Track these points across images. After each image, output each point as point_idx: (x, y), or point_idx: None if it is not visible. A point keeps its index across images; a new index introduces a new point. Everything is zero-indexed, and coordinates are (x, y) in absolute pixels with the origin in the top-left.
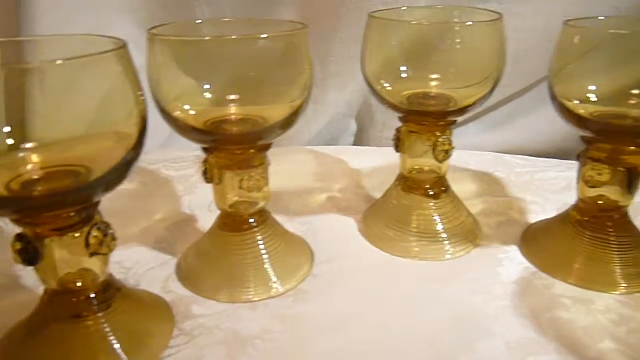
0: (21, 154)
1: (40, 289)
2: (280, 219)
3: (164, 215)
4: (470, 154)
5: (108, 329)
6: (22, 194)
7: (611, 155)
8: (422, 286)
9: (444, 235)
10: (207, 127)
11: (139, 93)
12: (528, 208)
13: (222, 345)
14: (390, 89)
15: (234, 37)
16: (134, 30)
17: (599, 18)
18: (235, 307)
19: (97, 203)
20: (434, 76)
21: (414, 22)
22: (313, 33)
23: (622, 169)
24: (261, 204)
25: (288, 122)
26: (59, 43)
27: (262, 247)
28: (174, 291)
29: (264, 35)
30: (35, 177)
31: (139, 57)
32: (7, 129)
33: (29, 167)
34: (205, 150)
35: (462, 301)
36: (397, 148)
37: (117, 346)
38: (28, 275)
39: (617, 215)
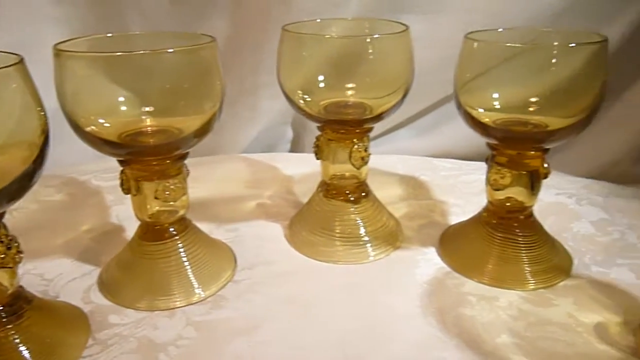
0: None
1: None
2: (208, 226)
3: (91, 225)
4: (400, 159)
5: (18, 340)
6: None
7: (513, 160)
8: (340, 289)
9: (366, 239)
10: (122, 140)
11: (38, 108)
12: (450, 210)
13: (135, 353)
14: (309, 99)
15: (141, 52)
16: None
17: (499, 30)
18: (154, 315)
19: (1, 216)
20: (350, 85)
21: (327, 36)
22: (245, 44)
23: (525, 172)
24: (181, 213)
25: (202, 132)
26: None
27: (183, 254)
28: (94, 302)
29: (170, 50)
30: None
31: None
32: None
33: None
34: (121, 162)
35: (377, 302)
36: (317, 155)
37: (27, 356)
38: None
39: (523, 215)
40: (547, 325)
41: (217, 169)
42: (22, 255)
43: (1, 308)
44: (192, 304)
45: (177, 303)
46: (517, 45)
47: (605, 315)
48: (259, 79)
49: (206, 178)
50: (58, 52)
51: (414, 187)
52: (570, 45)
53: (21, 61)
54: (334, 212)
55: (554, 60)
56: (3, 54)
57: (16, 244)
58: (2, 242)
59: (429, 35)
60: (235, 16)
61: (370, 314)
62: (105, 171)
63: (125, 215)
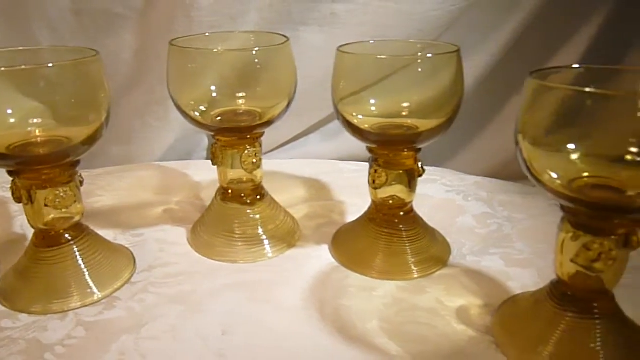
0: None
1: None
2: (113, 232)
3: None
4: (308, 162)
5: None
6: None
7: (389, 160)
8: (233, 286)
9: (264, 238)
10: (10, 151)
11: None
12: (348, 210)
13: (22, 353)
14: (203, 110)
15: (22, 67)
16: None
17: (370, 42)
18: (46, 318)
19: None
20: (240, 95)
21: (215, 50)
22: (152, 57)
23: (401, 171)
24: (76, 219)
25: (90, 140)
26: None
27: (79, 259)
28: None
29: (50, 64)
30: None
31: None
32: None
33: None
34: (10, 173)
35: (264, 297)
36: (213, 162)
37: None
38: None
39: (403, 211)
40: (415, 311)
41: (126, 178)
42: None
43: None
44: (86, 306)
45: (72, 305)
46: (382, 57)
47: (470, 300)
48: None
49: (114, 187)
50: None
51: (317, 189)
52: (428, 55)
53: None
54: (233, 215)
55: (419, 70)
56: None
57: None
58: None
59: (327, 46)
60: (141, 30)
61: (255, 308)
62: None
63: (20, 226)
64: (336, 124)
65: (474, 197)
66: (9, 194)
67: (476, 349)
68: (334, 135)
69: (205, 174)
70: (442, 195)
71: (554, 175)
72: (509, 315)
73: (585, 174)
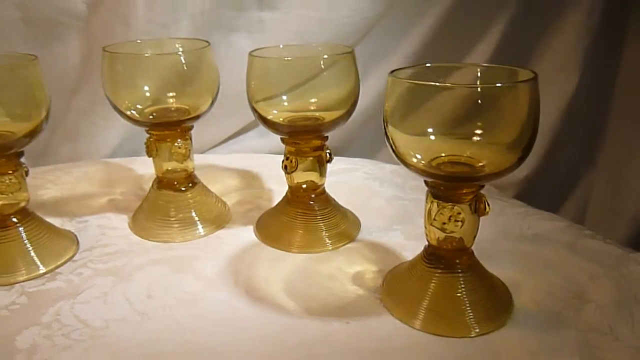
0: None
1: None
2: (60, 220)
3: None
4: (246, 156)
5: None
6: None
7: (299, 149)
8: (162, 262)
9: (197, 220)
10: None
11: None
12: (275, 197)
13: None
14: (139, 107)
15: None
16: None
17: (280, 46)
18: None
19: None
20: (171, 94)
21: (146, 54)
22: (96, 61)
23: (311, 158)
24: (22, 204)
25: (32, 134)
26: None
27: (25, 239)
28: None
29: None
30: None
31: None
32: None
33: None
34: None
35: (188, 269)
36: (148, 154)
37: None
38: None
39: (315, 193)
40: (316, 277)
41: (73, 173)
42: None
43: None
44: (31, 279)
45: (19, 278)
46: (287, 58)
47: (366, 267)
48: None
49: (61, 180)
50: None
51: (250, 179)
52: (324, 56)
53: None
54: (168, 200)
55: (322, 68)
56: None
57: None
58: None
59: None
60: (85, 37)
61: (178, 277)
62: None
63: None
64: None
65: (389, 183)
66: None
67: (363, 304)
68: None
69: (148, 169)
70: (360, 182)
71: (417, 156)
72: (393, 276)
73: (442, 154)
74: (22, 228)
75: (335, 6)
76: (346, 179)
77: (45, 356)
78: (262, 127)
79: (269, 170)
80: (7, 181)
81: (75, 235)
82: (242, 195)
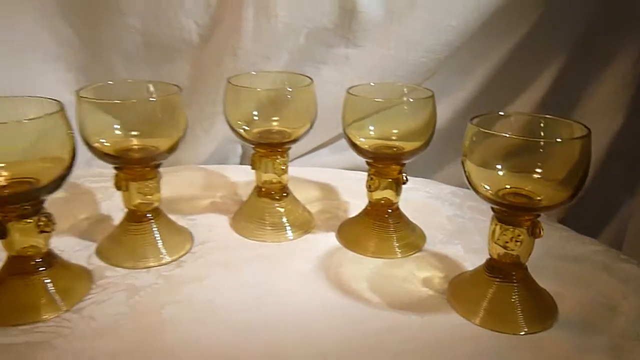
0: None
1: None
2: (174, 217)
3: (87, 215)
4: (321, 170)
5: (48, 281)
6: None
7: (380, 171)
8: (262, 258)
9: (287, 225)
10: (117, 153)
11: (70, 132)
12: (350, 208)
13: (122, 291)
14: (247, 129)
15: (133, 100)
16: (63, 75)
17: (371, 84)
18: (136, 272)
19: (43, 200)
20: (275, 119)
21: (258, 89)
22: (204, 82)
23: (390, 180)
24: (155, 204)
25: (171, 149)
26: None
27: (156, 233)
28: (94, 264)
29: (152, 99)
30: (4, 183)
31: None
32: None
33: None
34: (116, 168)
35: (285, 265)
36: (252, 167)
37: (52, 292)
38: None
39: (391, 209)
40: (393, 278)
41: (179, 176)
42: (54, 225)
43: (40, 260)
44: (161, 265)
45: (151, 264)
46: (378, 100)
47: (434, 273)
48: (215, 109)
49: (170, 183)
50: (78, 98)
51: (327, 191)
52: (410, 100)
53: (62, 108)
54: (264, 207)
55: (404, 108)
56: (46, 99)
57: (51, 218)
58: (46, 215)
59: (340, 81)
60: (196, 61)
61: (278, 272)
62: (93, 176)
63: (110, 207)
64: (342, 142)
65: (449, 202)
66: (93, 185)
67: (433, 302)
68: (341, 150)
69: (239, 176)
70: (424, 200)
71: (486, 187)
72: (458, 282)
73: (507, 186)
74: (154, 223)
75: (411, 48)
76: (411, 197)
77: (185, 327)
78: (333, 146)
79: (344, 184)
80: (150, 186)
81: (190, 231)
82: (322, 205)
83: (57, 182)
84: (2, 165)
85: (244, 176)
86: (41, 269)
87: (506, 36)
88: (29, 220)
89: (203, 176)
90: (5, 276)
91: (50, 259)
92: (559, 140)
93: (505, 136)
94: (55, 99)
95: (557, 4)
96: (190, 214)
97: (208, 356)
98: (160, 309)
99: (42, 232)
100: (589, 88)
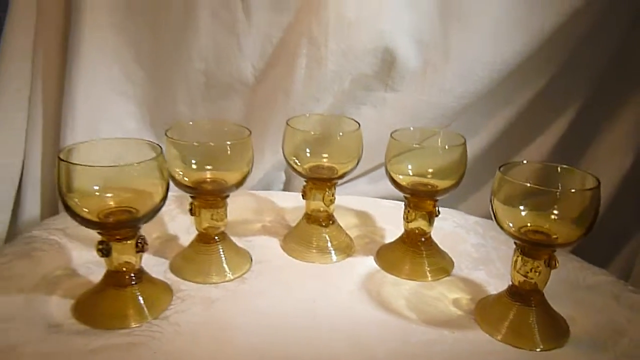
0: (104, 200)
1: (102, 271)
2: (234, 238)
3: (158, 234)
4: (359, 199)
5: (137, 293)
6: (104, 220)
7: (416, 205)
8: (311, 277)
9: (331, 249)
10: (193, 185)
11: (165, 171)
12: (386, 234)
13: (198, 303)
14: (298, 163)
15: (211, 143)
16: (131, 108)
17: (411, 129)
18: (206, 286)
19: (140, 226)
20: (325, 155)
21: (312, 133)
22: (257, 118)
23: (424, 212)
24: (221, 229)
25: (240, 183)
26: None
27: (221, 253)
28: (170, 278)
29: (228, 143)
30: (110, 211)
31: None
32: (97, 187)
33: (107, 207)
34: (192, 197)
35: (331, 283)
36: (303, 197)
37: (141, 302)
38: (96, 265)
39: (424, 237)
40: (427, 298)
41: (233, 202)
42: (147, 246)
43: (133, 275)
44: (226, 282)
45: (217, 280)
46: (415, 145)
47: (462, 295)
48: (265, 142)
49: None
50: (169, 139)
51: (365, 218)
52: (445, 146)
53: (161, 152)
54: (312, 232)
55: (440, 152)
56: (150, 143)
57: (146, 240)
58: (142, 238)
59: (378, 120)
60: (251, 100)
61: (327, 290)
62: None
63: (176, 228)
64: (377, 172)
65: (473, 232)
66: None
67: (462, 321)
68: (377, 180)
69: (285, 203)
70: (451, 229)
71: (510, 224)
72: (484, 304)
73: (528, 224)
74: (220, 245)
75: (443, 94)
76: (440, 226)
77: (253, 333)
78: (370, 176)
79: (380, 212)
80: (219, 213)
81: (248, 252)
82: (360, 231)
83: (153, 212)
84: (110, 195)
85: (288, 202)
86: (133, 282)
87: (527, 85)
88: (127, 242)
89: (254, 201)
90: (104, 287)
91: (140, 274)
92: (573, 190)
93: (529, 186)
94: (155, 142)
95: (574, 58)
96: (245, 236)
97: (271, 356)
98: (231, 318)
99: (138, 252)
100: (603, 130)
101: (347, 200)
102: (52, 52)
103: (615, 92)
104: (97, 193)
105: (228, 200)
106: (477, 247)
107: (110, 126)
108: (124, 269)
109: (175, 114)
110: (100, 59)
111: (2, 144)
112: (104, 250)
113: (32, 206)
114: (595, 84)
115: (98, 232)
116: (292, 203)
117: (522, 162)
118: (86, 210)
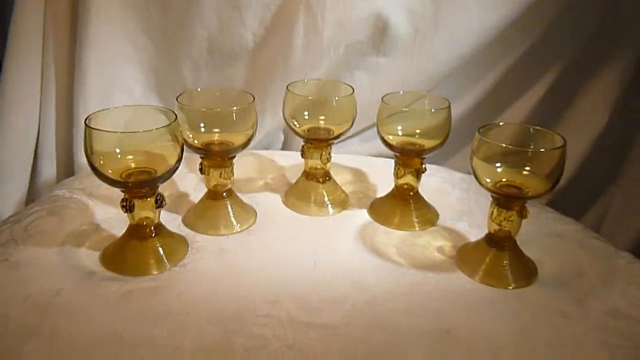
0: (125, 161)
1: (122, 225)
2: (240, 195)
3: (170, 192)
4: (352, 157)
5: (158, 245)
6: (126, 180)
7: (405, 162)
8: (310, 228)
9: (328, 203)
10: (202, 146)
11: (180, 135)
12: (378, 190)
13: (212, 253)
14: (297, 125)
15: (218, 109)
16: (138, 74)
17: (400, 92)
18: (217, 238)
19: (158, 185)
20: (322, 118)
21: (309, 97)
22: (257, 83)
23: (412, 169)
24: (229, 186)
25: (245, 145)
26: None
27: (229, 208)
28: (184, 231)
29: (235, 108)
30: (131, 172)
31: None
32: (118, 150)
33: (129, 168)
34: (202, 157)
35: (329, 234)
36: (302, 156)
37: (161, 253)
38: (117, 221)
39: (413, 192)
40: (415, 246)
41: (237, 161)
42: (166, 202)
43: (154, 228)
44: (234, 233)
45: (226, 232)
46: (404, 109)
47: (445, 243)
48: (265, 105)
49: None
50: (180, 106)
51: (359, 175)
52: (432, 109)
53: (175, 118)
54: (310, 188)
55: (427, 115)
56: (163, 109)
57: (164, 197)
58: (161, 195)
59: (371, 85)
60: (252, 67)
61: (324, 239)
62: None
63: (187, 187)
64: (369, 132)
65: (458, 187)
66: None
67: (445, 264)
68: (369, 139)
69: (285, 161)
70: (438, 184)
71: (487, 180)
72: (464, 250)
73: (503, 179)
74: (228, 201)
75: (431, 59)
76: (428, 181)
77: (264, 277)
78: (362, 136)
79: (372, 169)
80: (227, 171)
81: (253, 207)
82: (354, 187)
83: (170, 173)
84: (131, 157)
85: (288, 161)
86: (153, 235)
87: (510, 50)
88: (147, 200)
89: (254, 161)
90: (128, 239)
91: (160, 228)
92: (542, 150)
93: (503, 146)
94: (170, 109)
95: (555, 24)
96: (249, 192)
97: (281, 295)
98: (243, 264)
99: (157, 207)
100: (580, 92)
101: (341, 158)
102: (63, 21)
103: (592, 57)
104: (119, 156)
105: (234, 160)
106: (460, 201)
107: (119, 92)
108: (145, 223)
109: (180, 79)
110: (109, 31)
111: (19, 110)
112: (127, 207)
113: (48, 168)
114: (574, 49)
115: (121, 190)
116: (291, 161)
117: (499, 124)
118: (110, 171)
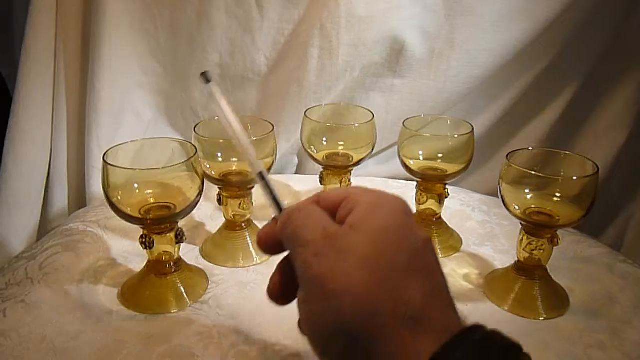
0: (144, 195)
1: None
2: (256, 222)
3: (184, 223)
4: (367, 179)
5: (177, 280)
6: (144, 216)
7: (427, 188)
8: None
9: None
10: (220, 177)
11: (200, 170)
12: None
13: (233, 286)
14: (315, 152)
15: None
16: (147, 98)
17: (422, 116)
18: (236, 270)
19: (178, 220)
20: (341, 143)
21: (327, 124)
22: (270, 106)
23: (435, 195)
24: (248, 216)
25: None
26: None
27: (248, 239)
28: (202, 264)
29: (254, 138)
30: (150, 207)
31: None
32: (136, 185)
33: (148, 203)
34: (220, 188)
35: None
36: (321, 182)
37: (182, 290)
38: (133, 255)
39: (435, 218)
40: None
41: None
42: (185, 237)
43: (173, 264)
44: (253, 265)
45: (245, 264)
46: (426, 135)
47: (470, 270)
48: (279, 129)
49: None
50: (197, 137)
51: None
52: (455, 135)
53: (196, 153)
54: None
55: (449, 140)
56: (181, 141)
57: (184, 232)
58: (180, 231)
59: (386, 106)
60: (264, 89)
61: None
62: None
63: (203, 217)
64: (388, 153)
65: (478, 209)
66: None
67: (473, 294)
68: (385, 161)
69: (302, 185)
70: (457, 207)
71: (516, 207)
72: (492, 278)
73: (533, 206)
74: (246, 232)
75: (448, 79)
76: (447, 204)
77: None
78: (378, 157)
79: (389, 192)
80: (246, 202)
81: None
82: None
83: (190, 208)
84: (150, 192)
85: (305, 185)
86: (173, 271)
87: (526, 70)
88: (168, 235)
89: None
90: (146, 275)
91: (179, 263)
92: (574, 178)
93: (532, 173)
94: (187, 140)
95: (571, 44)
96: (267, 220)
97: None
98: (266, 299)
99: (177, 243)
100: (598, 109)
101: (359, 181)
102: (73, 49)
103: (609, 74)
104: (137, 191)
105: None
106: (482, 224)
107: (130, 116)
108: (164, 258)
109: (190, 104)
110: (120, 56)
111: (30, 139)
112: (147, 244)
113: (60, 197)
114: (590, 67)
115: (140, 227)
116: (308, 186)
117: (528, 148)
118: (129, 208)
